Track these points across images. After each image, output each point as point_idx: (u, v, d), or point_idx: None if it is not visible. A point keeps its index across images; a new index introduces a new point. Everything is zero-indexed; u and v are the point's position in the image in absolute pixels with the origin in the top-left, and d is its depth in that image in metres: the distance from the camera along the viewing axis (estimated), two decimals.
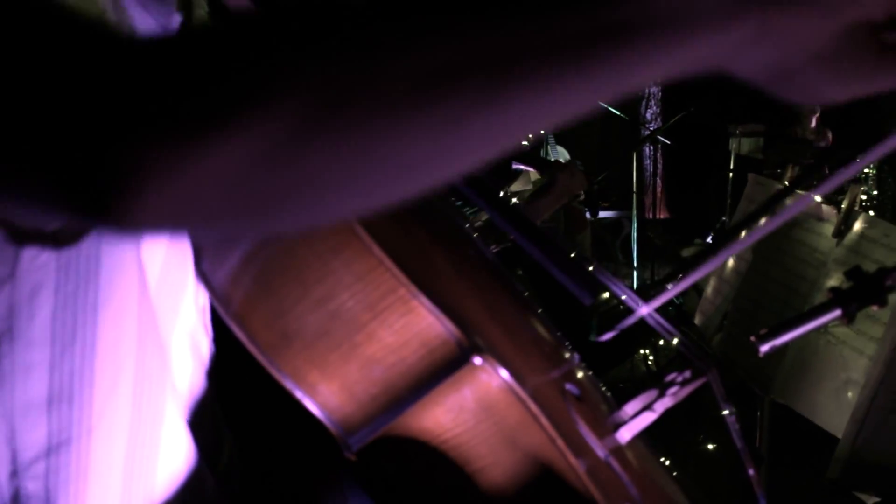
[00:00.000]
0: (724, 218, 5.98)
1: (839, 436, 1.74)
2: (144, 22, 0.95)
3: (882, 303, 1.13)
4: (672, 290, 1.14)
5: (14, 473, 0.91)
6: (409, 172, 0.62)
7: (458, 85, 0.58)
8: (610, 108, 6.48)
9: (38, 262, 0.87)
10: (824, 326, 1.96)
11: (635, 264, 6.16)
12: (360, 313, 0.92)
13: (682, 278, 1.19)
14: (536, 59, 0.58)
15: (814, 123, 7.58)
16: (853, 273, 1.12)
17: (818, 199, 2.08)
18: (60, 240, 0.82)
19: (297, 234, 0.93)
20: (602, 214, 7.14)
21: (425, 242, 1.13)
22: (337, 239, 0.91)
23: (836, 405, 1.90)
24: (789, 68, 0.66)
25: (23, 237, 0.85)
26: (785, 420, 1.97)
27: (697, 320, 2.38)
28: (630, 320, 1.20)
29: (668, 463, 1.39)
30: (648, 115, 8.90)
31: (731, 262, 2.34)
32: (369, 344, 0.92)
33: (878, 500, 1.64)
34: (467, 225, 1.63)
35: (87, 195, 0.59)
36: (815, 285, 2.01)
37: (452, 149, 0.61)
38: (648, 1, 0.59)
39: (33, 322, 0.88)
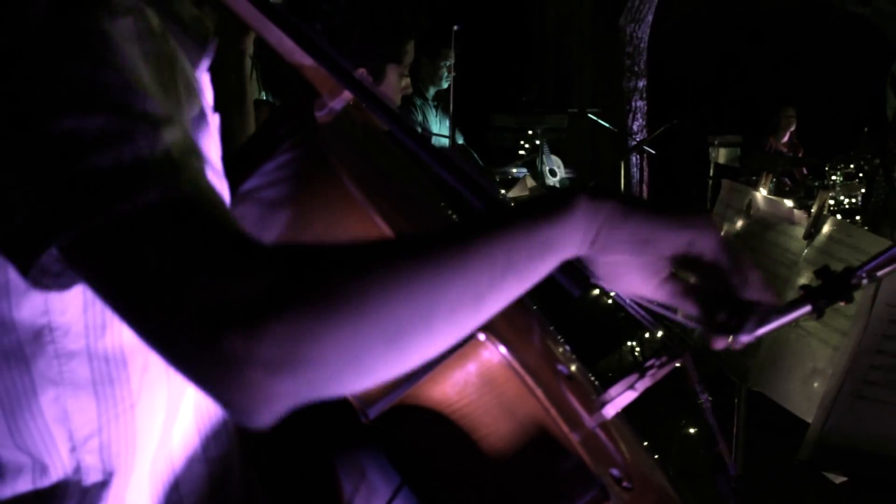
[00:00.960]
0: None
1: (809, 420, 1.76)
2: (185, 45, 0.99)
3: (848, 299, 1.16)
4: None
5: (73, 449, 0.94)
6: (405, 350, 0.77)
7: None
8: (599, 121, 6.51)
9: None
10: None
11: None
12: None
13: None
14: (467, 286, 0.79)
15: (787, 137, 7.60)
16: (822, 272, 1.15)
17: (790, 203, 2.11)
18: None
19: (308, 198, 1.00)
20: None
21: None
22: (357, 227, 0.95)
23: (805, 392, 1.93)
24: (611, 265, 0.91)
25: None
26: (760, 406, 1.99)
27: (680, 314, 2.39)
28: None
29: (653, 444, 1.41)
30: (635, 127, 8.90)
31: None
32: None
33: (844, 478, 1.66)
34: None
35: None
36: (788, 283, 2.03)
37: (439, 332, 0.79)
38: (533, 233, 0.83)
39: (66, 315, 0.91)
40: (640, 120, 9.00)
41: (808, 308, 1.20)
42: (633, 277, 0.92)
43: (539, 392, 0.99)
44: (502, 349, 0.97)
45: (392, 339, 0.74)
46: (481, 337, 0.95)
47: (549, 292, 1.27)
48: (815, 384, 1.91)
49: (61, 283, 0.81)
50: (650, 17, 8.92)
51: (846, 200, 6.64)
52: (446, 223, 1.39)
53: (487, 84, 8.61)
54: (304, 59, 1.20)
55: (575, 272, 1.13)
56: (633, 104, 8.94)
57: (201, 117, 0.98)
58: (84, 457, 0.95)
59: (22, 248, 0.75)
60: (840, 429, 1.67)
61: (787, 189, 6.97)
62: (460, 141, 5.85)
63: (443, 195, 1.42)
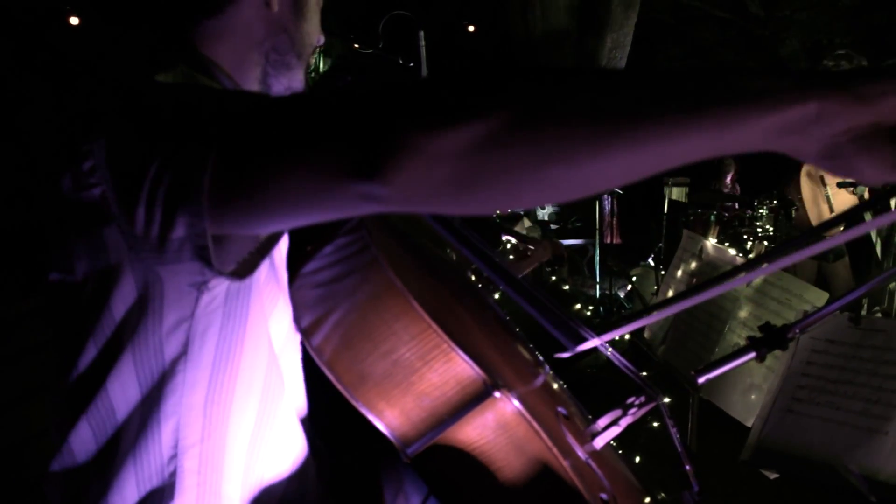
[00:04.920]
0: (660, 244, 5.95)
1: (747, 424, 1.73)
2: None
3: (784, 348, 1.14)
4: (622, 329, 1.10)
5: (174, 456, 0.92)
6: (570, 169, 0.60)
7: (607, 113, 0.59)
8: None
9: (211, 308, 0.88)
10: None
11: (597, 279, 6.16)
12: (414, 361, 0.93)
13: (632, 321, 1.15)
14: (658, 105, 0.60)
15: (728, 180, 7.58)
16: (765, 327, 1.13)
17: (733, 252, 2.09)
18: (240, 273, 0.82)
19: (369, 307, 0.94)
20: (572, 242, 7.10)
21: (453, 301, 1.14)
22: (398, 309, 0.93)
23: (744, 402, 1.90)
24: (835, 146, 0.62)
25: (202, 286, 0.86)
26: (709, 413, 1.96)
27: (647, 335, 2.37)
28: (584, 346, 1.15)
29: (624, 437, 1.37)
30: None
31: (670, 294, 2.35)
32: (421, 383, 0.94)
33: (777, 475, 1.63)
34: (472, 276, 1.63)
35: (366, 163, 0.61)
36: (731, 314, 2.01)
37: (602, 162, 0.60)
38: (747, 79, 0.60)
39: (202, 350, 0.89)
40: None
41: (752, 355, 1.18)
42: (864, 162, 0.62)
43: (543, 434, 0.97)
44: (515, 402, 0.95)
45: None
46: (497, 395, 0.94)
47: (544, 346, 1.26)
48: (753, 396, 1.88)
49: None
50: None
51: (769, 228, 6.63)
52: (475, 294, 1.36)
53: None
54: None
55: (569, 329, 1.10)
56: None
57: None
58: (185, 463, 0.93)
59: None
60: (773, 436, 1.64)
61: (725, 219, 6.94)
62: None
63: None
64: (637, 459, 2.43)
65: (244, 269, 0.80)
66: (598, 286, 6.19)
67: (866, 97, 0.59)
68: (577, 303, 5.31)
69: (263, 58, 1.02)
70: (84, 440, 0.91)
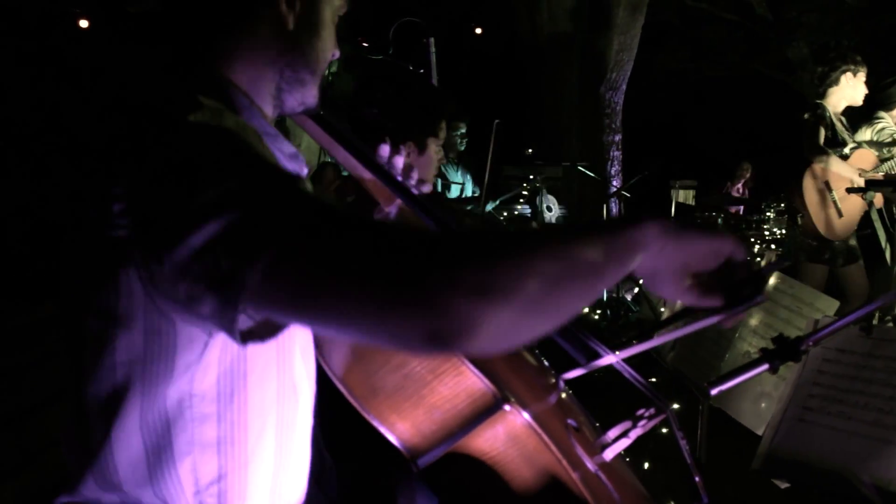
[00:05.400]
0: None
1: (758, 432, 1.72)
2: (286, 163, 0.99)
3: (797, 360, 1.13)
4: (638, 347, 1.11)
5: (197, 492, 0.92)
6: (558, 311, 0.77)
7: (594, 283, 0.79)
8: (587, 172, 6.47)
9: (212, 344, 0.88)
10: (752, 352, 1.96)
11: None
12: (425, 375, 0.93)
13: (647, 340, 1.16)
14: (588, 272, 0.78)
15: (741, 184, 7.59)
16: (778, 339, 1.12)
17: None
18: (261, 334, 0.84)
19: None
20: None
21: None
22: None
23: (754, 410, 1.89)
24: (658, 272, 0.90)
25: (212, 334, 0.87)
26: (720, 420, 1.95)
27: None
28: (600, 363, 1.17)
29: (633, 444, 1.36)
30: (613, 172, 8.84)
31: (679, 303, 2.33)
32: (432, 396, 0.93)
33: (788, 485, 1.62)
34: None
35: (443, 337, 0.68)
36: (741, 322, 1.99)
37: (585, 299, 0.79)
38: (622, 247, 0.82)
39: (205, 385, 0.89)
40: (617, 166, 8.96)
41: (765, 367, 1.17)
42: (668, 283, 0.91)
43: (553, 446, 0.97)
44: (525, 415, 0.95)
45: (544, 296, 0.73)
46: (507, 408, 0.93)
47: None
48: (763, 404, 1.87)
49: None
50: (624, 86, 8.87)
51: (777, 231, 6.61)
52: None
53: (500, 143, 8.74)
54: (364, 174, 1.18)
55: (582, 344, 1.09)
56: (611, 154, 8.89)
57: None
58: (205, 499, 0.93)
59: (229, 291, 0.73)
60: (784, 445, 1.63)
61: (732, 222, 6.92)
62: (470, 187, 5.82)
63: None
64: (646, 465, 2.42)
65: (265, 332, 0.81)
66: (605, 291, 6.18)
67: (684, 245, 0.88)
68: (585, 307, 5.30)
69: (278, 74, 1.02)
70: (93, 490, 0.92)
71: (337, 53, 1.09)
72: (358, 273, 0.68)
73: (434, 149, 2.09)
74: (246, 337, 0.82)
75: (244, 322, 0.79)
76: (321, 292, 0.70)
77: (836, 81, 4.27)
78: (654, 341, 1.10)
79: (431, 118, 2.06)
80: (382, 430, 0.95)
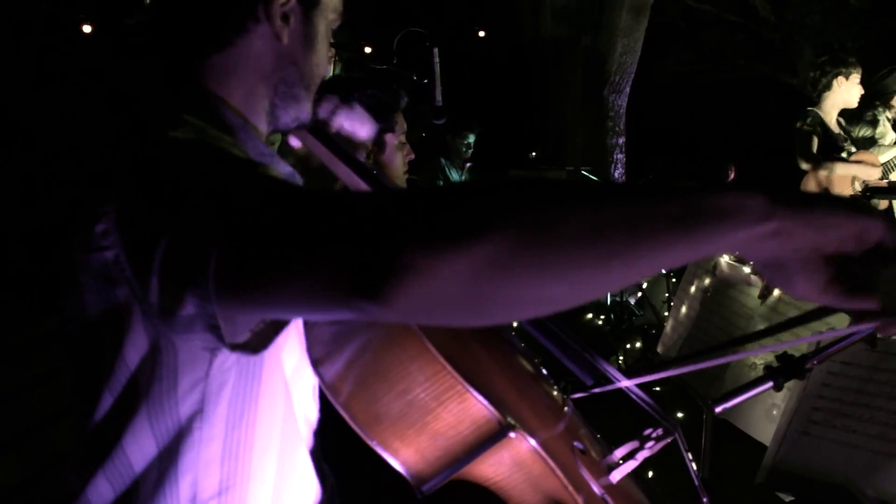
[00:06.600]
0: None
1: (767, 444, 1.71)
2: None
3: (802, 378, 1.13)
4: (651, 377, 1.11)
5: None
6: (572, 288, 0.62)
7: (606, 238, 0.61)
8: (589, 175, 6.46)
9: (225, 367, 0.89)
10: (756, 365, 1.95)
11: None
12: (429, 402, 0.92)
13: (660, 370, 1.16)
14: (652, 228, 0.62)
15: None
16: (782, 357, 1.12)
17: (747, 269, 2.07)
18: (254, 346, 0.81)
19: (383, 347, 0.93)
20: None
21: (469, 340, 1.12)
22: (413, 351, 0.92)
23: (765, 422, 1.88)
24: (781, 260, 0.70)
25: (216, 349, 0.86)
26: (725, 430, 1.94)
27: (660, 350, 2.35)
28: (608, 388, 1.16)
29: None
30: (616, 174, 8.84)
31: (683, 310, 2.33)
32: (436, 423, 0.93)
33: (793, 498, 1.62)
34: None
35: (366, 283, 0.60)
36: (745, 332, 1.99)
37: (600, 280, 0.62)
38: (717, 200, 0.64)
39: (217, 407, 0.89)
40: (621, 169, 8.96)
41: (770, 384, 1.17)
42: (799, 276, 0.70)
43: (559, 471, 0.97)
44: (531, 441, 0.94)
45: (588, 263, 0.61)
46: (512, 435, 0.93)
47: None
48: (774, 412, 1.86)
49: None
50: (628, 89, 8.87)
51: None
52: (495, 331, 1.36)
53: (506, 146, 8.79)
54: (364, 188, 1.18)
55: (586, 363, 1.08)
56: (615, 157, 8.88)
57: None
58: None
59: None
60: (789, 459, 1.63)
61: None
62: None
63: None
64: (650, 474, 2.41)
65: (259, 341, 0.80)
66: (608, 295, 6.17)
67: (816, 224, 0.66)
68: (588, 312, 5.29)
69: (272, 90, 1.01)
70: (102, 493, 0.91)
71: (329, 71, 1.10)
72: (299, 253, 0.66)
73: (392, 144, 2.10)
74: (244, 347, 0.81)
75: (242, 334, 0.79)
76: (270, 277, 0.68)
77: (828, 86, 4.28)
78: (678, 369, 1.09)
79: (384, 114, 2.07)
80: (386, 456, 0.95)
